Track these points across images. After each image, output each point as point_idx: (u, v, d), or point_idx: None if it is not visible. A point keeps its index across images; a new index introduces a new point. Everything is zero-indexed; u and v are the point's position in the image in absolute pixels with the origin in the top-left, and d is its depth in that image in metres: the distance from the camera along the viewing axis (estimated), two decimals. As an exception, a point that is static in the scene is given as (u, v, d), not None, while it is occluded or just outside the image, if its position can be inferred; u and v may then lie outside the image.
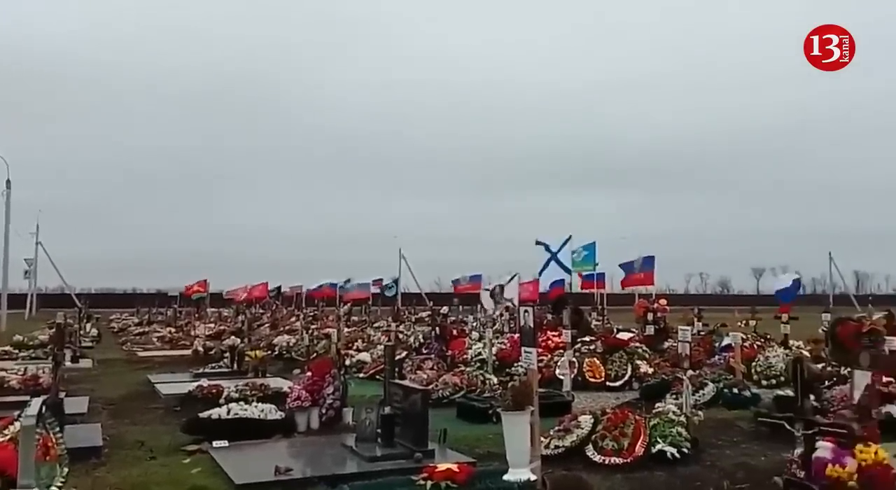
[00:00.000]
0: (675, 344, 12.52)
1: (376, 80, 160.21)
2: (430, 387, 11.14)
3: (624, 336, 16.04)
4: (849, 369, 9.07)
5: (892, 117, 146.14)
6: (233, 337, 17.48)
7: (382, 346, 13.72)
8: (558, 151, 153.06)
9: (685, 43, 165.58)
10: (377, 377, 12.54)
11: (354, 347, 17.68)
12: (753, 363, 13.51)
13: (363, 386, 12.60)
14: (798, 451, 4.18)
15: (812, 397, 9.02)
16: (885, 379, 9.03)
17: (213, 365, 15.64)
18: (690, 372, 9.71)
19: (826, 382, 10.46)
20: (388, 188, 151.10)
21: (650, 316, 16.68)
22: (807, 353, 14.03)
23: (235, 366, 14.71)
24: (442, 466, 5.68)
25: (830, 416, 4.28)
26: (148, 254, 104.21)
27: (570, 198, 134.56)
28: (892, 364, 9.47)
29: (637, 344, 14.68)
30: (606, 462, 7.18)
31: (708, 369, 12.38)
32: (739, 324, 17.46)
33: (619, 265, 19.25)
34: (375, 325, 24.38)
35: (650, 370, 12.84)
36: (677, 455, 7.25)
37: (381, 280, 30.87)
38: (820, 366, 12.04)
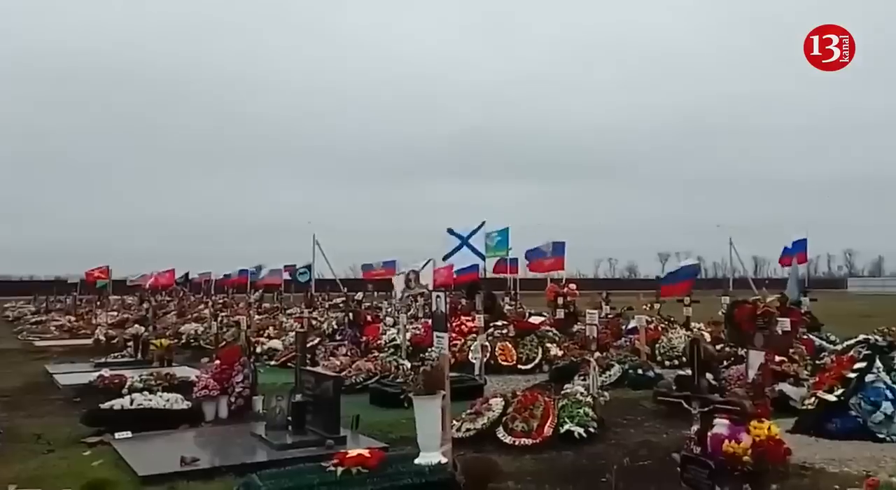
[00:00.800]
0: (584, 327, 12.85)
1: (290, 68, 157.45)
2: (343, 373, 11.10)
3: (535, 320, 16.36)
4: (744, 349, 9.54)
5: (786, 117, 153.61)
6: (136, 325, 16.92)
7: (294, 333, 13.54)
8: (474, 142, 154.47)
9: (600, 38, 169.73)
10: (289, 365, 12.37)
11: (266, 335, 17.37)
12: (657, 345, 14.02)
13: (274, 374, 12.42)
14: (695, 428, 4.37)
15: (711, 376, 9.48)
16: (777, 358, 9.54)
17: (116, 354, 15.13)
18: (598, 354, 10.00)
19: (724, 362, 10.96)
20: (304, 176, 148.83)
21: (560, 300, 17.04)
22: (707, 335, 14.67)
23: (139, 355, 14.27)
24: (353, 452, 5.64)
25: (726, 394, 4.47)
26: (46, 241, 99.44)
27: (485, 187, 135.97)
28: (785, 344, 10.04)
29: (548, 328, 15.01)
30: (516, 443, 7.34)
31: (614, 351, 12.77)
32: (644, 307, 18.04)
33: (527, 251, 19.58)
34: (288, 311, 24.00)
35: (560, 353, 13.16)
36: (584, 434, 7.47)
37: (293, 266, 30.35)
38: (719, 346, 12.63)
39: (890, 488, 4.47)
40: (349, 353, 13.40)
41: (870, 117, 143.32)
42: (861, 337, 11.26)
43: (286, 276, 31.11)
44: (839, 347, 11.27)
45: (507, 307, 18.98)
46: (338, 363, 12.07)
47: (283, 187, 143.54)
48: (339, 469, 5.41)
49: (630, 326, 15.61)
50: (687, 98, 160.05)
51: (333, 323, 17.80)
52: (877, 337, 11.38)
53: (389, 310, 21.45)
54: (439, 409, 5.79)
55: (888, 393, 7.75)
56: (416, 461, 5.69)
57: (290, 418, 7.62)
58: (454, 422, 7.55)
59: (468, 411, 7.92)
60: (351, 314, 16.48)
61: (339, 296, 25.19)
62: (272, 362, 14.43)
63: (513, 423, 7.60)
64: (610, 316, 17.85)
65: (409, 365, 11.45)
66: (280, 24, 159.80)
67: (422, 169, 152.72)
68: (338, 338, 15.81)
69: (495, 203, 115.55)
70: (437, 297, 6.34)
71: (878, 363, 8.07)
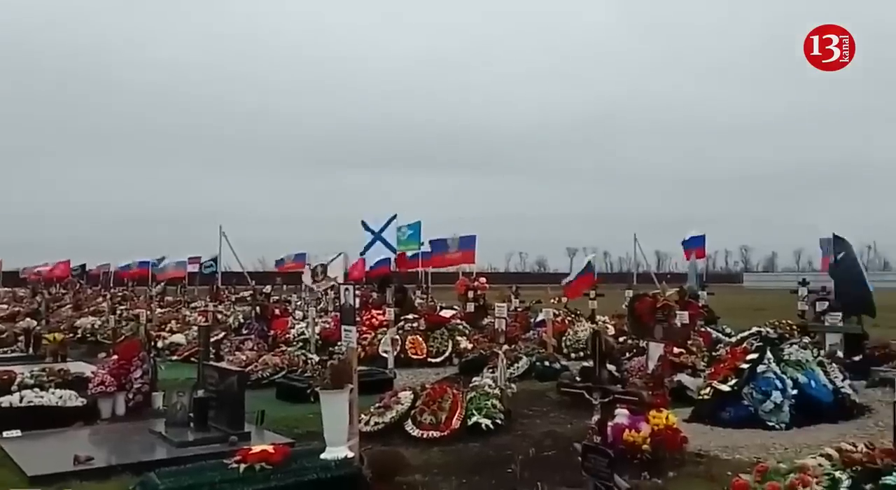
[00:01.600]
0: (493, 320, 13.00)
1: (204, 53, 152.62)
2: (249, 368, 10.88)
3: (446, 313, 16.45)
4: (645, 341, 9.87)
5: (688, 116, 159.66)
6: (28, 319, 16.08)
7: (197, 328, 13.15)
8: (385, 131, 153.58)
9: (516, 29, 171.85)
10: (192, 360, 12.01)
11: (168, 329, 16.84)
12: (564, 337, 14.35)
13: (177, 369, 12.04)
14: (596, 418, 4.47)
15: (613, 368, 9.75)
16: (676, 350, 9.90)
17: (5, 349, 14.37)
18: (506, 347, 10.14)
19: (626, 354, 11.29)
20: (210, 163, 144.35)
21: (471, 294, 17.19)
22: (612, 327, 15.11)
23: (31, 350, 13.63)
24: (257, 448, 5.53)
25: (626, 385, 4.60)
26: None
27: (397, 178, 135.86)
28: (683, 336, 10.43)
29: (458, 321, 15.11)
30: (424, 436, 7.36)
31: (523, 344, 12.98)
32: (552, 301, 18.41)
33: (430, 241, 19.60)
34: (192, 305, 23.31)
35: (470, 346, 13.27)
36: (491, 426, 7.58)
37: (198, 258, 29.41)
38: (622, 339, 13.02)
39: (777, 474, 4.70)
40: (256, 348, 13.13)
41: (768, 118, 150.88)
42: (754, 329, 11.80)
43: (191, 268, 30.14)
44: (734, 339, 11.76)
45: (418, 301, 19.00)
46: (244, 358, 11.81)
47: (191, 176, 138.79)
48: (242, 466, 5.29)
49: (538, 319, 15.90)
50: (597, 94, 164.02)
51: (240, 317, 17.41)
52: (768, 329, 11.97)
53: (299, 303, 21.13)
54: (346, 404, 5.73)
55: (778, 383, 8.16)
56: (322, 456, 5.63)
57: (191, 415, 7.39)
58: (362, 416, 7.51)
59: (377, 405, 7.89)
60: (258, 308, 16.15)
61: (246, 289, 24.58)
62: (174, 357, 13.99)
63: (421, 416, 7.62)
64: (519, 309, 18.13)
65: (317, 359, 11.31)
66: (199, 8, 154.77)
67: (334, 158, 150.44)
68: (244, 332, 15.48)
69: (407, 195, 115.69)
70: (346, 290, 6.26)
71: (768, 354, 8.49)
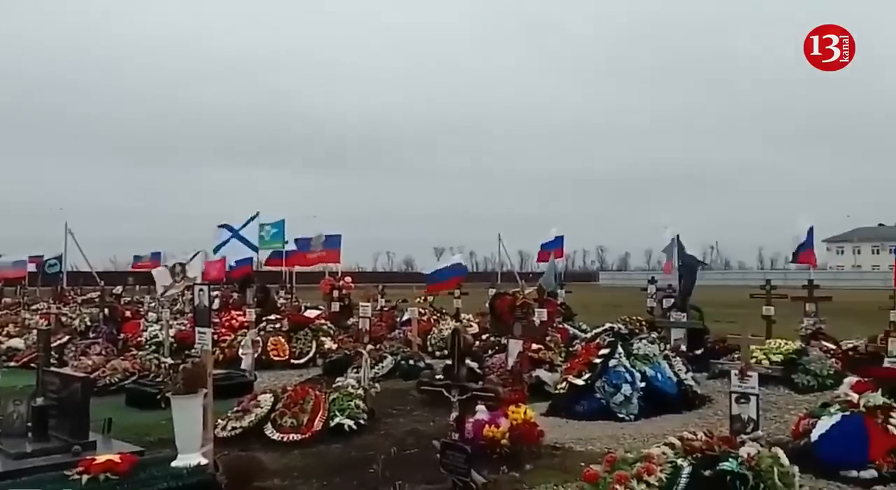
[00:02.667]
0: (358, 320, 12.91)
1: (43, 32, 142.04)
2: (96, 373, 10.25)
3: (311, 314, 16.18)
4: (505, 338, 10.11)
5: (550, 118, 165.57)
6: None
7: (37, 331, 12.23)
8: (247, 126, 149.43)
9: (389, 26, 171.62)
10: (32, 365, 11.14)
11: (5, 333, 15.59)
12: (429, 336, 14.46)
13: (15, 376, 11.19)
14: (454, 414, 4.52)
15: (476, 365, 9.92)
16: (534, 346, 10.21)
17: None
18: (370, 346, 10.09)
19: (489, 351, 11.52)
20: (56, 155, 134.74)
21: (336, 293, 16.99)
22: (475, 325, 15.37)
23: None
24: (102, 458, 5.19)
25: (484, 382, 4.68)
26: None
27: (258, 174, 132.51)
28: (541, 333, 10.77)
29: (323, 321, 14.89)
30: (285, 439, 7.22)
31: (388, 343, 12.97)
32: (418, 299, 18.54)
33: (294, 240, 19.25)
34: (33, 307, 21.65)
35: (334, 346, 13.10)
36: (354, 427, 7.53)
37: (40, 257, 27.31)
38: (485, 336, 13.28)
39: (625, 463, 4.92)
40: (104, 352, 12.37)
41: (621, 122, 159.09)
42: (607, 326, 12.39)
43: (32, 267, 27.94)
44: (589, 335, 12.29)
45: (281, 301, 18.58)
46: (90, 363, 11.10)
47: (32, 167, 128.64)
48: (85, 476, 4.95)
49: (404, 319, 15.95)
50: (463, 95, 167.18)
51: (87, 319, 16.34)
52: (620, 326, 12.59)
53: (152, 305, 20.13)
54: (200, 409, 5.49)
55: (627, 376, 8.59)
56: (174, 464, 5.36)
57: (29, 424, 6.83)
58: (219, 421, 7.28)
59: (235, 409, 7.65)
60: (107, 309, 15.19)
61: (94, 289, 23.10)
62: (12, 363, 12.96)
63: (282, 419, 7.46)
64: (385, 309, 18.11)
65: (171, 363, 10.80)
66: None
67: (193, 153, 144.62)
68: (92, 335, 14.53)
69: (270, 192, 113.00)
70: (200, 290, 5.99)
71: (619, 349, 8.92)
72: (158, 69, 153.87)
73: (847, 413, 6.31)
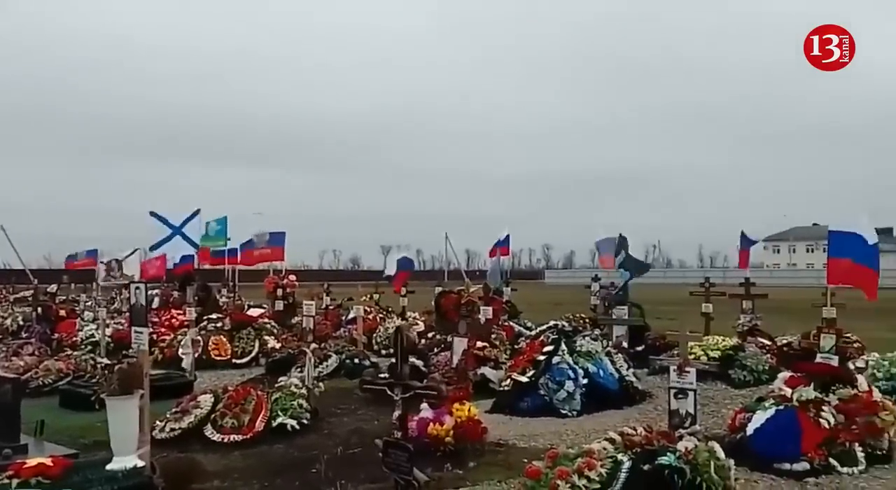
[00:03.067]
0: (302, 319, 12.76)
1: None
2: (28, 374, 9.92)
3: (255, 312, 15.95)
4: (450, 336, 10.12)
5: (500, 120, 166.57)
6: None
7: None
8: (189, 124, 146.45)
9: (331, 27, 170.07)
10: (-41, 367, 10.72)
11: (-71, 334, 14.93)
12: (374, 334, 14.38)
13: (-60, 379, 10.69)
14: (397, 413, 4.49)
15: (421, 363, 9.91)
16: (479, 344, 10.25)
17: None
18: (314, 345, 9.97)
19: (434, 349, 11.53)
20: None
21: (280, 292, 16.78)
22: (421, 323, 15.36)
23: None
24: (33, 461, 5.01)
25: (427, 380, 4.68)
26: None
27: (201, 171, 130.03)
28: (486, 331, 10.81)
29: (266, 320, 14.68)
30: (225, 440, 7.09)
31: (333, 342, 12.85)
32: (364, 298, 18.42)
33: (240, 245, 18.96)
34: (-38, 307, 20.81)
35: (278, 345, 12.92)
36: (297, 426, 7.44)
37: (-32, 255, 26.27)
38: (431, 334, 13.28)
39: (566, 459, 4.97)
40: (37, 353, 11.96)
41: (576, 122, 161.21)
42: (551, 323, 12.55)
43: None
44: (534, 333, 12.41)
45: (223, 299, 18.25)
46: (22, 364, 10.72)
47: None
48: (15, 481, 4.77)
49: (349, 317, 15.84)
50: (411, 96, 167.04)
51: (19, 319, 15.79)
52: (564, 323, 12.76)
53: (88, 303, 19.56)
54: (136, 410, 5.35)
55: (570, 373, 8.68)
56: (109, 467, 5.21)
57: (-46, 429, 6.56)
58: (157, 422, 7.13)
59: (174, 410, 7.48)
60: (40, 308, 14.71)
61: (27, 288, 22.31)
62: (-61, 365, 12.41)
63: (222, 419, 7.33)
64: (330, 307, 17.95)
65: (106, 363, 10.51)
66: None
67: (125, 146, 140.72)
68: (24, 335, 14.04)
69: (212, 189, 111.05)
70: (137, 289, 5.84)
71: (563, 347, 9.00)
72: (100, 66, 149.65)
73: (781, 407, 6.49)
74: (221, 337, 12.93)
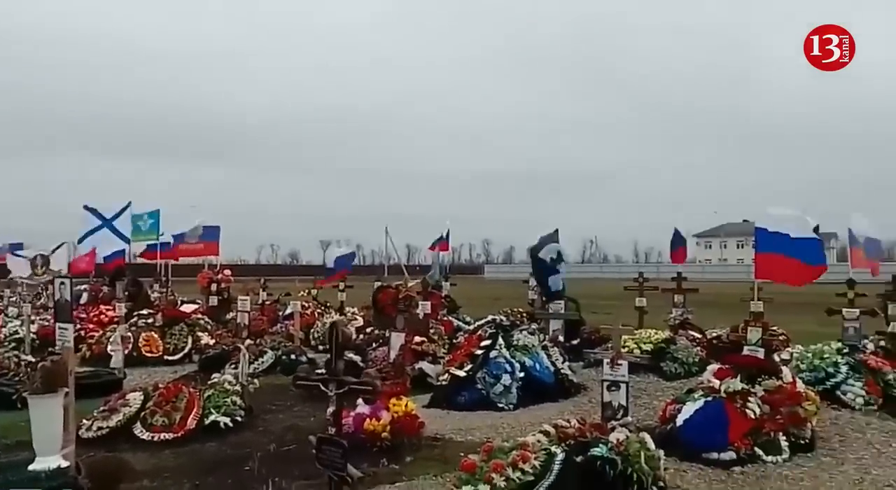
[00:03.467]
0: (237, 314, 12.57)
1: None
2: (-55, 374, 9.45)
3: (188, 308, 15.59)
4: (388, 331, 10.08)
5: (436, 116, 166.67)
6: None
7: None
8: (124, 118, 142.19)
9: (279, 25, 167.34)
10: None
11: None
12: (312, 329, 14.23)
13: None
14: (331, 409, 4.45)
15: (359, 358, 9.86)
16: (417, 338, 10.24)
17: None
18: (249, 341, 9.83)
19: (373, 344, 11.48)
20: None
21: (214, 287, 16.44)
22: (360, 319, 15.27)
23: None
24: (-52, 465, 4.81)
25: (362, 375, 4.65)
26: None
27: (134, 165, 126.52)
28: (424, 326, 10.81)
29: (200, 315, 14.37)
30: (156, 438, 6.94)
31: (269, 337, 12.66)
32: (302, 293, 18.21)
33: (173, 235, 18.49)
34: None
35: (212, 341, 12.67)
36: (230, 424, 7.31)
37: None
38: (369, 329, 13.22)
39: (501, 452, 5.02)
40: (-45, 351, 11.45)
41: (513, 120, 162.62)
42: (489, 318, 12.60)
43: None
44: (472, 327, 12.45)
45: (155, 295, 17.79)
46: (-60, 362, 10.23)
47: None
48: (-73, 486, 4.58)
49: (287, 312, 15.62)
50: (349, 92, 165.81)
51: (-62, 315, 15.11)
52: (502, 317, 12.82)
53: (13, 299, 18.85)
54: (60, 409, 5.18)
55: (507, 367, 8.76)
56: (31, 467, 5.06)
57: None
58: (84, 421, 6.93)
59: (101, 408, 7.26)
60: (-40, 305, 14.11)
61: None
62: None
63: (152, 417, 7.15)
64: (267, 302, 17.67)
65: (31, 361, 10.13)
66: None
67: (65, 142, 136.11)
68: (-57, 332, 13.44)
69: (144, 183, 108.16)
70: (62, 284, 5.64)
71: (500, 341, 9.07)
72: (32, 58, 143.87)
73: (709, 399, 6.68)
74: (153, 333, 12.61)
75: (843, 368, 8.57)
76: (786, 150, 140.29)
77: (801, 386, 7.21)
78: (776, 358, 8.75)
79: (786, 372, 7.42)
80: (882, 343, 9.88)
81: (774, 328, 11.36)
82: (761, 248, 9.66)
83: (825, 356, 8.81)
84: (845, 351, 8.91)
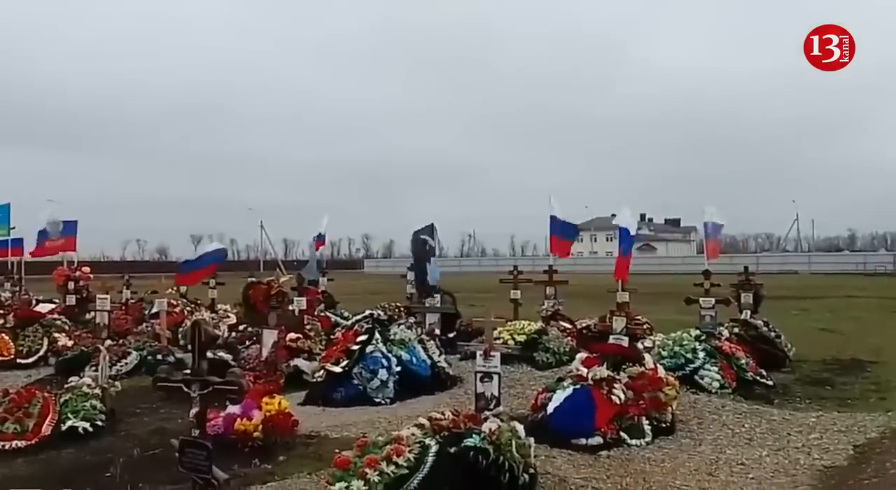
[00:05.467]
0: (96, 314, 11.88)
1: None
2: None
3: (44, 308, 14.60)
4: (260, 328, 9.81)
5: (309, 107, 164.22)
6: None
7: None
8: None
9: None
10: None
11: None
12: (180, 328, 13.64)
13: None
14: (194, 410, 4.28)
15: (230, 357, 9.56)
16: (292, 335, 10.03)
17: None
18: (109, 341, 9.32)
19: (246, 342, 11.15)
20: None
21: (72, 285, 15.45)
22: (232, 316, 14.80)
23: None
24: None
25: (227, 375, 4.48)
26: None
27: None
28: (299, 322, 10.59)
29: (56, 316, 13.48)
30: (7, 447, 6.56)
31: (134, 337, 12.05)
32: (169, 290, 17.44)
33: (38, 232, 17.20)
34: None
35: (70, 343, 11.92)
36: (90, 429, 6.96)
37: None
38: (242, 326, 12.83)
39: (376, 447, 4.99)
40: None
41: (388, 112, 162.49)
42: (367, 312, 12.56)
43: None
44: (350, 322, 12.34)
45: (6, 294, 16.56)
46: None
47: None
48: None
49: (153, 311, 14.91)
50: (215, 78, 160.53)
51: None
52: (379, 312, 12.81)
53: None
54: None
55: (384, 361, 8.74)
56: None
57: None
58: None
59: (-56, 417, 6.69)
60: None
61: None
62: None
63: (3, 424, 6.70)
64: (132, 300, 16.80)
65: None
66: None
67: None
68: None
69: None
70: None
71: (377, 335, 9.04)
72: None
73: (577, 386, 6.92)
74: (3, 335, 11.73)
75: (701, 354, 9.07)
76: (644, 148, 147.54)
77: (662, 372, 7.58)
78: (640, 346, 9.16)
79: (648, 359, 7.80)
80: (736, 330, 10.59)
81: (638, 317, 11.89)
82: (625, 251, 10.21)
83: (684, 343, 9.31)
84: (702, 338, 9.44)
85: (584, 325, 12.39)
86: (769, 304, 13.43)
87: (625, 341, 8.55)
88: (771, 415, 7.71)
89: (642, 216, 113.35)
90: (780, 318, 13.08)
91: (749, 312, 11.89)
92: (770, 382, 9.21)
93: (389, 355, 8.90)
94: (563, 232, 15.90)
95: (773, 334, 11.06)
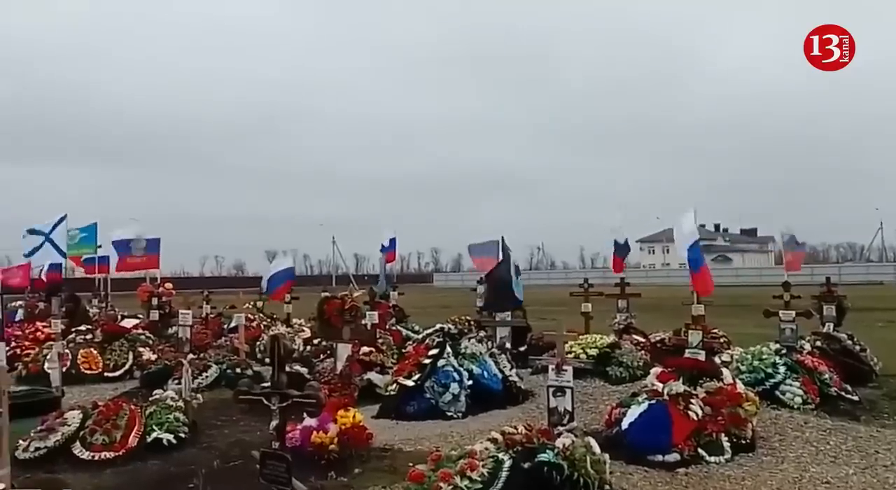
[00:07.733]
0: (179, 328, 12.30)
1: None
2: None
3: (129, 323, 15.21)
4: (334, 342, 9.98)
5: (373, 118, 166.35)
6: None
7: None
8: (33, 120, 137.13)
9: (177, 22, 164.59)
10: None
11: None
12: (258, 342, 14.01)
13: None
14: (274, 423, 4.40)
15: (306, 370, 9.75)
16: (365, 349, 10.17)
17: None
18: (191, 355, 9.63)
19: (320, 356, 11.36)
20: None
21: (155, 301, 16.07)
22: (307, 330, 15.10)
23: None
24: None
25: (305, 388, 4.59)
26: None
27: (60, 172, 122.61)
28: (371, 336, 10.75)
29: (140, 330, 14.03)
30: (96, 458, 6.75)
31: (213, 351, 12.42)
32: (247, 305, 17.94)
33: (112, 242, 17.98)
34: None
35: (153, 357, 12.38)
36: (174, 441, 7.15)
37: None
38: (316, 341, 13.07)
39: (449, 461, 5.02)
40: None
41: (453, 124, 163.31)
42: (437, 326, 12.60)
43: None
44: (421, 336, 12.43)
45: (94, 310, 17.31)
46: None
47: None
48: None
49: (231, 325, 15.35)
50: (284, 95, 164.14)
51: None
52: (450, 326, 12.83)
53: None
54: (-8, 431, 4.98)
55: (455, 375, 8.78)
56: (-38, 494, 4.84)
57: None
58: (21, 441, 6.71)
59: (39, 428, 7.03)
60: None
61: None
62: None
63: (92, 436, 6.95)
64: (211, 315, 17.35)
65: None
66: None
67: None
68: None
69: (71, 191, 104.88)
70: (-8, 300, 5.45)
71: (448, 349, 9.09)
72: None
73: (653, 401, 6.80)
74: (91, 349, 12.25)
75: (781, 369, 8.80)
76: (715, 153, 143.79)
77: (741, 387, 7.39)
78: (717, 360, 8.95)
79: (726, 373, 7.61)
80: (818, 343, 10.22)
81: (715, 331, 11.62)
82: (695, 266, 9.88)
83: (764, 357, 9.04)
84: (783, 352, 9.16)
85: (657, 338, 12.18)
86: (853, 317, 12.90)
87: (701, 355, 8.35)
88: (857, 431, 7.41)
89: (717, 226, 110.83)
90: (866, 331, 12.58)
91: (832, 325, 11.46)
92: (855, 398, 8.85)
93: (461, 369, 8.93)
94: (620, 251, 15.95)
95: (857, 348, 10.64)
